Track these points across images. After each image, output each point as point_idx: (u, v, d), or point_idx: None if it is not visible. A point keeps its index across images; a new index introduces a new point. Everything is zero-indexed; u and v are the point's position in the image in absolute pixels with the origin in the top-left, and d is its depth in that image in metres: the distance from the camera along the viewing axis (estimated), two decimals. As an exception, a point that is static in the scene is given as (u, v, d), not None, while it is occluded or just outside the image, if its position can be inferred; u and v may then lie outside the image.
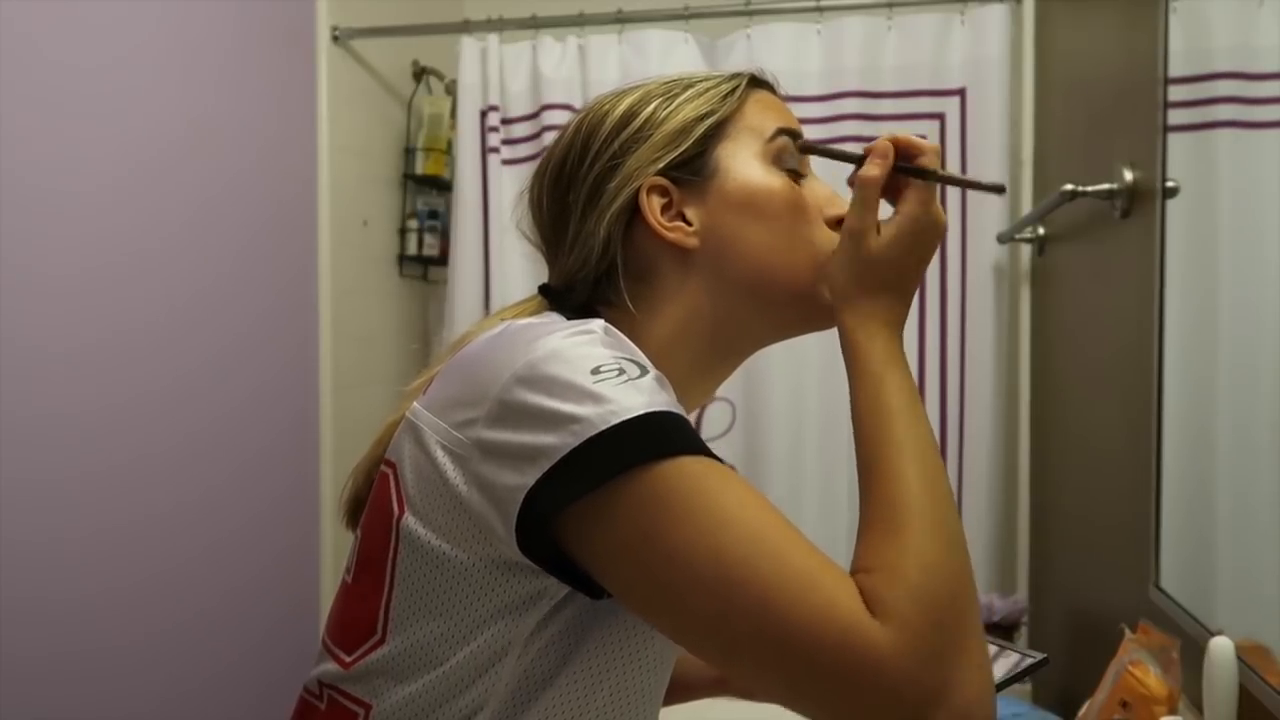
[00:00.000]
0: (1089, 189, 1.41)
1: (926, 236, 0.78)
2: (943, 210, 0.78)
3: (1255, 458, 0.97)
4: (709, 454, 0.62)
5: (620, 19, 2.03)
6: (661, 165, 0.75)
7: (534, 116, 2.09)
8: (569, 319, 0.72)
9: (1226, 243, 1.05)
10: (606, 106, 0.79)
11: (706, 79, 0.79)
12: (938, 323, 2.00)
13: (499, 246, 2.09)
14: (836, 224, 0.78)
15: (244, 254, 1.75)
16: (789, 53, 2.01)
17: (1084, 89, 1.64)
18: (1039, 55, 1.96)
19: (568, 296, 0.79)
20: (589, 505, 0.60)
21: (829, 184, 0.80)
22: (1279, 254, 0.91)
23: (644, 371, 0.64)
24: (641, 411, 0.60)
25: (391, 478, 0.69)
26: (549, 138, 2.06)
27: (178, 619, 1.56)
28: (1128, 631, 1.02)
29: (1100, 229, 1.48)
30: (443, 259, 2.26)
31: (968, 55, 1.96)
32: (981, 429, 1.96)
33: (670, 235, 0.75)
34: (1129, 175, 1.31)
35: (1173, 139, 1.15)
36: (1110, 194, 1.36)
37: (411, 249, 2.33)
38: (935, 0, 1.96)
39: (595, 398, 0.61)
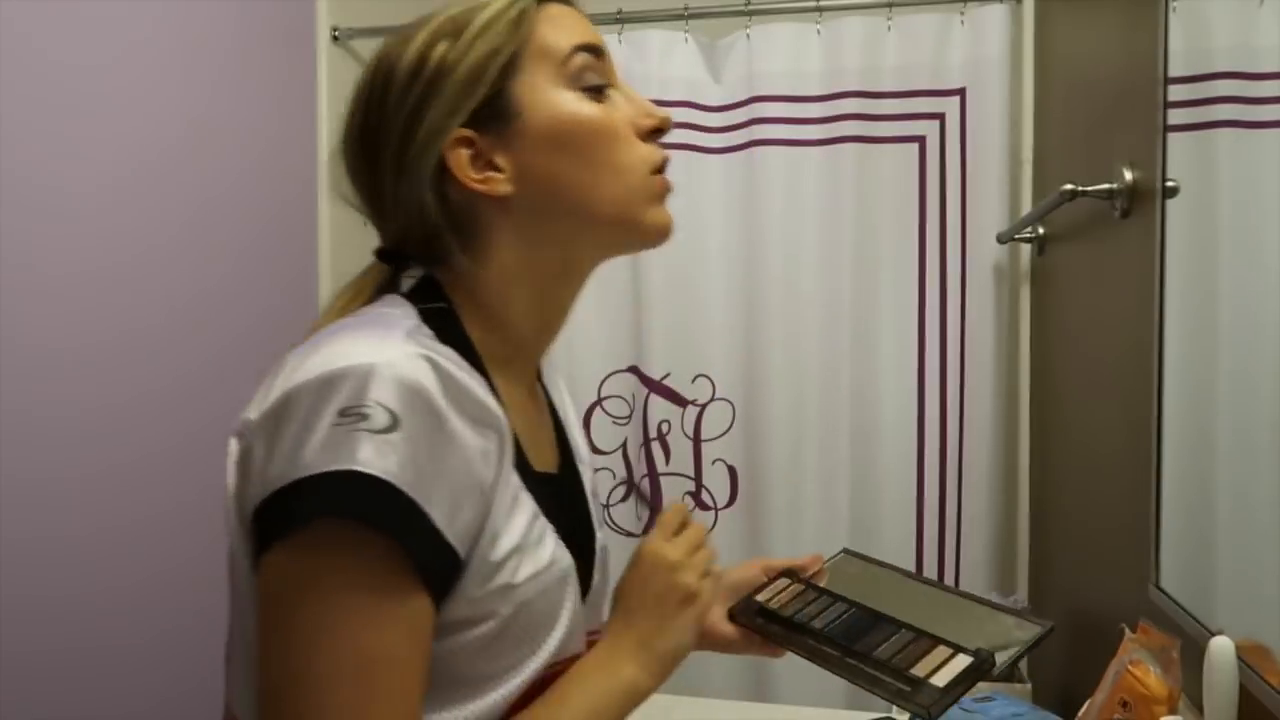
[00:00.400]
0: (1089, 189, 1.41)
1: (648, 572, 0.79)
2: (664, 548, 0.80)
3: (1255, 458, 0.97)
4: (408, 534, 0.61)
5: (620, 19, 2.03)
6: (461, 117, 0.72)
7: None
8: (407, 295, 0.73)
9: (1226, 243, 1.05)
10: (395, 53, 0.75)
11: (492, 8, 0.75)
12: (938, 323, 2.00)
13: (499, 246, 2.09)
14: (650, 135, 0.78)
15: (244, 254, 1.75)
16: (789, 53, 2.01)
17: (1084, 89, 1.64)
18: (1039, 55, 1.96)
19: (404, 261, 0.77)
20: (283, 548, 0.62)
21: (639, 96, 0.79)
22: (1279, 254, 0.91)
23: (392, 421, 0.60)
24: (342, 468, 0.59)
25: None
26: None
27: (178, 619, 1.56)
28: (1128, 631, 1.02)
29: (1100, 229, 1.48)
30: (443, 259, 2.26)
31: (968, 55, 1.96)
32: (981, 429, 1.96)
33: (482, 188, 0.73)
34: (1129, 175, 1.31)
35: (1173, 139, 1.15)
36: (1110, 194, 1.36)
37: (411, 249, 2.32)
38: (935, 0, 1.96)
39: (318, 444, 0.60)
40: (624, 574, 0.80)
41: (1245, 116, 1.00)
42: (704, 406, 2.06)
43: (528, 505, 0.70)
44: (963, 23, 1.96)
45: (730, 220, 2.04)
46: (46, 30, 1.38)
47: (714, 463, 2.06)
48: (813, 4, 1.98)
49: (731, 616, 0.93)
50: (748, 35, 2.02)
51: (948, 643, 0.82)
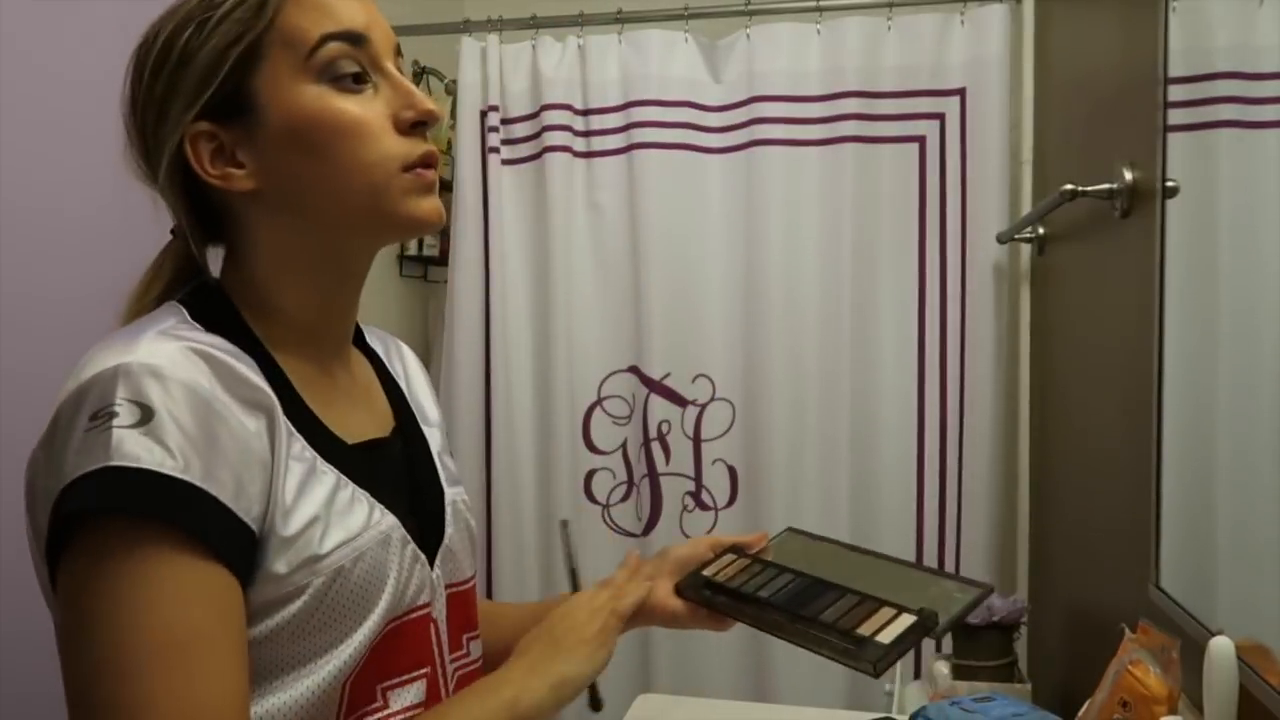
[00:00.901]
0: (1089, 189, 1.41)
1: (571, 608, 0.85)
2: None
3: (1255, 458, 0.97)
4: (180, 519, 0.61)
5: (620, 19, 2.03)
6: (199, 110, 0.70)
7: (534, 116, 2.09)
8: (183, 300, 0.74)
9: (1226, 243, 1.05)
10: (147, 38, 0.73)
11: None
12: (938, 323, 2.00)
13: (499, 246, 2.09)
14: (412, 127, 0.74)
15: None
16: (789, 53, 2.01)
17: (1084, 89, 1.64)
18: (1039, 55, 1.96)
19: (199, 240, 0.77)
20: (66, 556, 0.63)
21: (404, 81, 0.75)
22: (1279, 254, 0.91)
23: (143, 413, 0.61)
24: (98, 465, 0.60)
25: None
26: (549, 137, 2.06)
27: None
28: (1128, 631, 1.02)
29: (1100, 229, 1.48)
30: (443, 259, 2.26)
31: (968, 55, 1.96)
32: (981, 429, 1.96)
33: (220, 184, 0.72)
34: (1129, 175, 1.31)
35: (1173, 139, 1.15)
36: (1110, 194, 1.36)
37: (411, 249, 2.33)
38: (935, 0, 1.96)
39: (75, 450, 0.61)
40: (546, 619, 0.84)
41: (1245, 116, 1.00)
42: (704, 406, 2.06)
43: (328, 477, 0.71)
44: (963, 23, 1.96)
45: (730, 220, 2.04)
46: (46, 30, 1.38)
47: (714, 463, 2.06)
48: (813, 4, 1.98)
49: (679, 591, 0.95)
50: (748, 35, 2.02)
51: (892, 604, 0.84)
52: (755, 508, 2.02)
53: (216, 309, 0.74)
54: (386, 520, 0.74)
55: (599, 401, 2.10)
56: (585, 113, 2.07)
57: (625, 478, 2.10)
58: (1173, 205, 1.15)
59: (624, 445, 2.10)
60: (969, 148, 1.97)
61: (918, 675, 1.97)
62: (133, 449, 0.60)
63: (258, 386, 0.68)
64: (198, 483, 0.62)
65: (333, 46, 0.71)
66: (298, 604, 0.68)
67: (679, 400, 2.07)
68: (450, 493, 0.86)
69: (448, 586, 0.82)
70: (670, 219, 2.04)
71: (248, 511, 0.64)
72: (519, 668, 0.78)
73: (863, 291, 2.01)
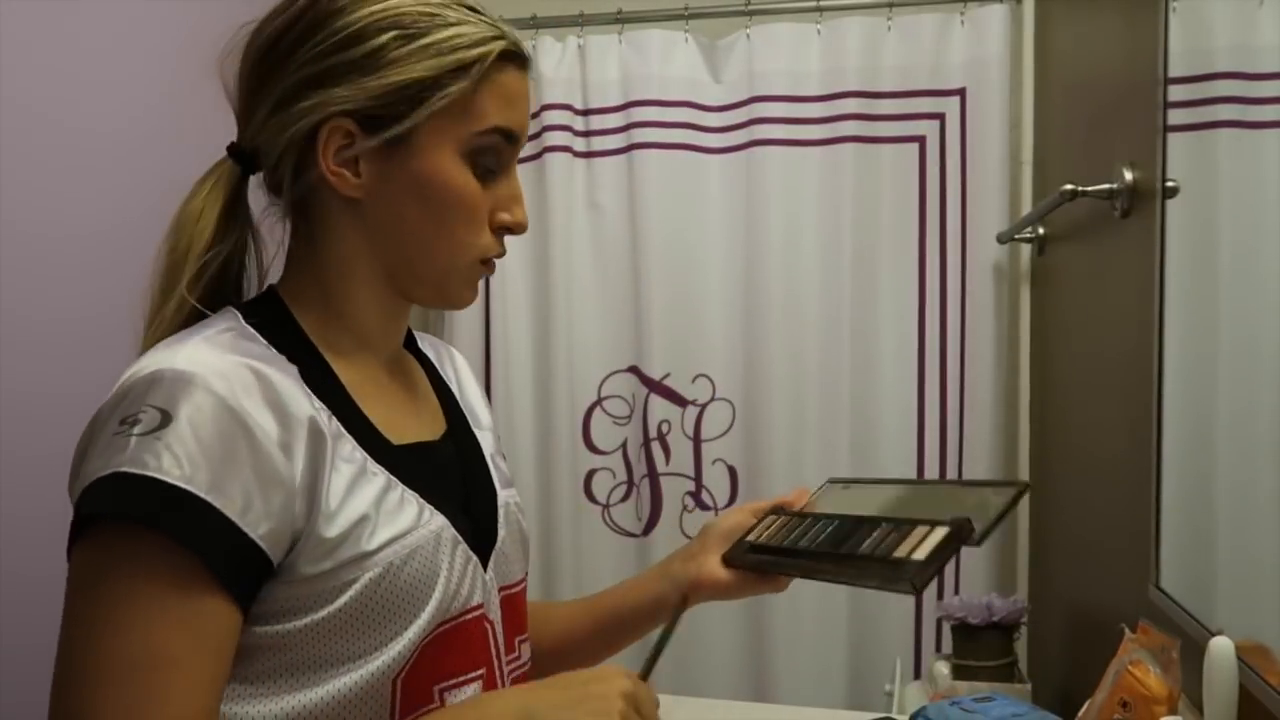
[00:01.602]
0: (1089, 189, 1.41)
1: (595, 676, 0.74)
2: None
3: (1255, 457, 0.97)
4: (181, 530, 0.62)
5: (620, 19, 2.04)
6: (360, 113, 0.72)
7: (534, 116, 2.09)
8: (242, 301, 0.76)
9: (1226, 243, 1.05)
10: (343, 3, 0.73)
11: (457, 35, 0.73)
12: (938, 323, 2.00)
13: (499, 246, 2.09)
14: (502, 230, 0.79)
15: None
16: (789, 53, 2.01)
17: (1084, 89, 1.64)
18: (1039, 55, 1.96)
19: (253, 166, 0.78)
20: (72, 559, 0.66)
21: (521, 187, 0.80)
22: (1279, 254, 0.91)
23: (163, 420, 0.63)
24: (110, 471, 0.62)
25: None
26: (549, 137, 2.06)
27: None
28: (1128, 631, 1.02)
29: (1100, 229, 1.48)
30: (443, 259, 2.26)
31: (968, 55, 1.96)
32: (981, 429, 1.96)
33: (331, 179, 0.74)
34: (1129, 175, 1.31)
35: (1173, 139, 1.15)
36: (1110, 194, 1.36)
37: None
38: (935, 0, 1.96)
39: (99, 452, 0.64)
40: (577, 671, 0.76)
41: (1245, 116, 1.00)
42: (704, 406, 2.06)
43: (378, 478, 0.72)
44: (963, 23, 1.96)
45: (730, 220, 2.04)
46: (45, 30, 1.38)
47: (714, 463, 2.06)
48: (813, 4, 1.98)
49: (726, 562, 0.94)
50: (748, 35, 2.02)
51: (925, 521, 0.82)
52: (755, 508, 2.02)
53: (271, 312, 0.76)
54: (436, 520, 0.75)
55: (599, 401, 2.10)
56: (585, 113, 2.07)
57: (625, 478, 2.10)
58: (1173, 205, 1.15)
59: (624, 445, 2.10)
60: (969, 148, 1.97)
61: (918, 675, 1.97)
62: (141, 455, 0.62)
63: (299, 400, 0.69)
64: (201, 494, 0.62)
65: (493, 139, 0.76)
66: (342, 600, 0.68)
67: (679, 400, 2.07)
68: (503, 495, 0.86)
69: (500, 589, 0.82)
70: (670, 219, 2.04)
71: (255, 527, 0.64)
72: (514, 700, 0.72)
73: (863, 291, 2.01)
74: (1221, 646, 0.85)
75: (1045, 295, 1.91)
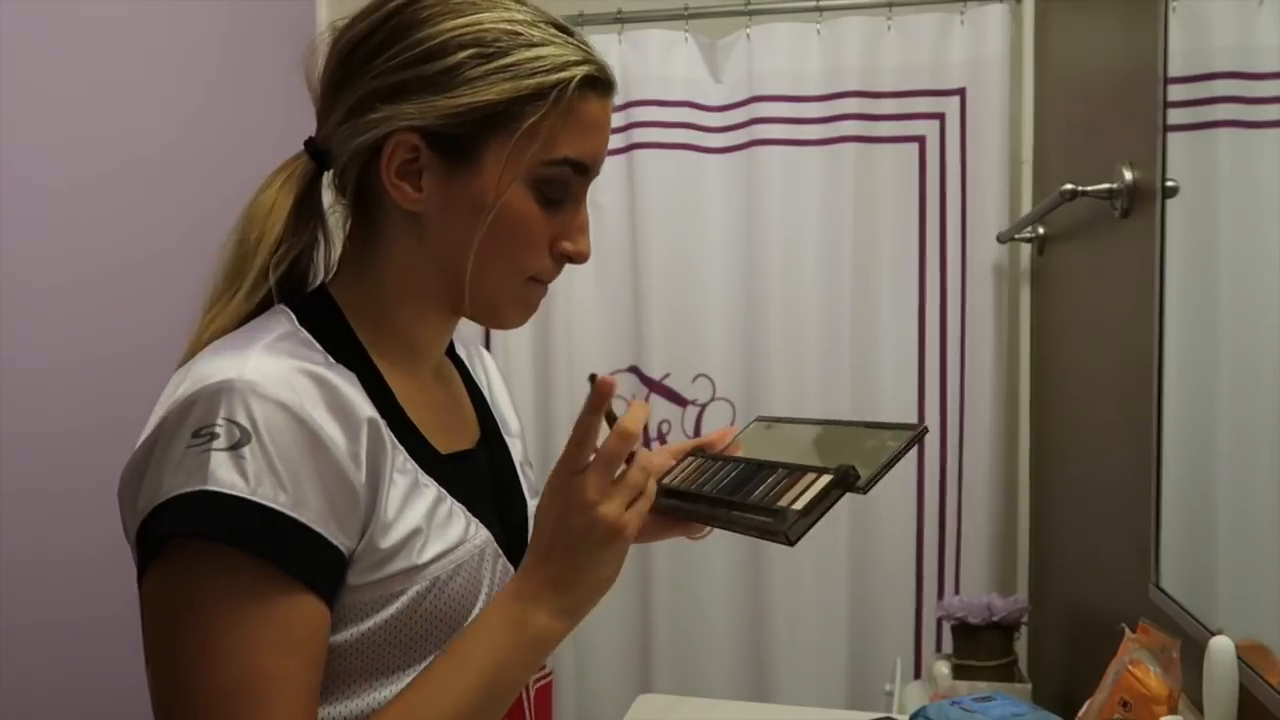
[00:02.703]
0: (1089, 189, 1.41)
1: (561, 508, 0.71)
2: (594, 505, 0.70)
3: (1255, 457, 0.97)
4: (263, 549, 0.62)
5: (620, 19, 2.04)
6: (428, 129, 0.71)
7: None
8: (293, 304, 0.74)
9: (1226, 242, 1.05)
10: (428, 14, 0.71)
11: (538, 59, 0.71)
12: (938, 323, 2.00)
13: (499, 246, 2.09)
14: (562, 257, 0.77)
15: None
16: (789, 53, 2.01)
17: (1084, 89, 1.64)
18: (1039, 55, 1.96)
19: (327, 163, 0.77)
20: (148, 577, 0.65)
21: (586, 214, 0.78)
22: (1279, 254, 0.91)
23: (241, 436, 0.62)
24: (194, 489, 0.61)
25: None
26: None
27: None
28: (1128, 631, 1.02)
29: (1100, 229, 1.48)
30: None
31: (967, 55, 1.96)
32: (981, 429, 1.96)
33: (392, 191, 0.72)
34: (1129, 175, 1.31)
35: (1172, 139, 1.15)
36: (1110, 194, 1.36)
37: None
38: (935, 0, 1.96)
39: (173, 469, 0.62)
40: (541, 500, 0.73)
41: (1245, 116, 1.00)
42: (704, 406, 2.06)
43: (429, 491, 0.72)
44: (962, 23, 1.96)
45: (730, 220, 2.04)
46: (45, 29, 1.38)
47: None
48: (813, 4, 1.98)
49: None
50: (748, 35, 2.02)
51: (815, 469, 0.79)
52: (755, 508, 2.02)
53: (325, 316, 0.75)
54: (481, 534, 0.75)
55: (599, 401, 2.10)
56: (585, 113, 2.07)
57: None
58: (1173, 205, 1.15)
59: (624, 445, 2.10)
60: (969, 148, 1.97)
61: (918, 675, 1.97)
62: (226, 475, 0.61)
63: (362, 408, 0.68)
64: (287, 511, 0.62)
65: (563, 170, 0.73)
66: (390, 610, 0.69)
67: (679, 400, 2.07)
68: (532, 504, 0.86)
69: None
70: (670, 219, 2.04)
71: (335, 535, 0.65)
72: (541, 584, 0.70)
73: (862, 291, 2.01)
74: (1221, 646, 0.85)
75: (1045, 295, 1.91)
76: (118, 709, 1.46)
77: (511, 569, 0.78)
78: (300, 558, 0.63)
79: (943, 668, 1.69)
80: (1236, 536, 1.02)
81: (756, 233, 2.02)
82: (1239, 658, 0.85)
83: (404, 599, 0.69)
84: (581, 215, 0.77)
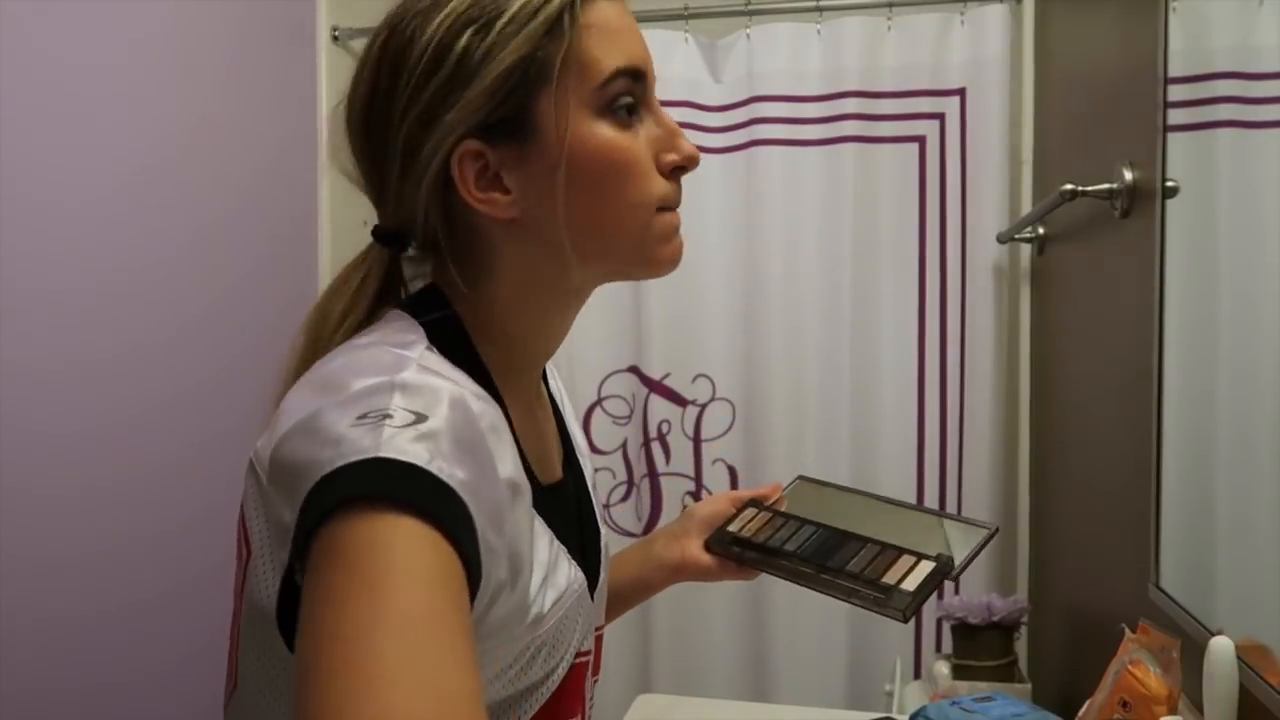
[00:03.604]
0: (1089, 189, 1.41)
1: None
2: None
3: (1255, 457, 0.97)
4: (443, 524, 0.53)
5: (620, 19, 2.03)
6: (476, 126, 0.66)
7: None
8: (410, 308, 0.69)
9: (1226, 243, 1.05)
10: (411, 30, 0.66)
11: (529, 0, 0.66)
12: (938, 323, 2.00)
13: (499, 246, 2.09)
14: (672, 172, 0.72)
15: (243, 254, 1.75)
16: (789, 53, 2.01)
17: (1084, 89, 1.64)
18: (1039, 55, 1.96)
19: (404, 244, 0.72)
20: (317, 543, 0.53)
21: (670, 119, 0.72)
22: (1279, 254, 0.91)
23: (417, 419, 0.55)
24: (369, 455, 0.53)
25: (240, 518, 0.65)
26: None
27: (187, 634, 1.56)
28: (1128, 631, 1.02)
29: (1100, 229, 1.48)
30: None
31: (968, 55, 1.96)
32: (981, 429, 1.96)
33: (485, 209, 0.67)
34: (1129, 175, 1.31)
35: (1172, 139, 1.15)
36: (1110, 194, 1.36)
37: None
38: (935, 0, 1.96)
39: (338, 441, 0.54)
40: None
41: (1245, 116, 1.00)
42: (704, 406, 2.06)
43: (544, 532, 0.69)
44: (963, 23, 1.96)
45: (730, 220, 2.04)
46: (46, 29, 1.38)
47: (714, 463, 2.06)
48: (813, 4, 1.98)
49: (708, 547, 0.98)
50: (748, 35, 2.02)
51: (910, 552, 0.90)
52: (755, 508, 2.02)
53: (453, 335, 0.69)
54: (579, 576, 0.73)
55: (599, 401, 2.10)
56: (585, 113, 2.07)
57: (625, 478, 2.10)
58: (1173, 205, 1.15)
59: (624, 445, 2.10)
60: (969, 148, 1.97)
61: (918, 675, 1.97)
62: (404, 445, 0.54)
63: (511, 441, 0.63)
64: (461, 494, 0.55)
65: (622, 83, 0.68)
66: (508, 656, 0.65)
67: (679, 400, 2.07)
68: (604, 532, 0.85)
69: (594, 628, 0.80)
70: (670, 219, 2.04)
71: (482, 551, 0.57)
72: None
73: (863, 291, 2.01)
74: (1221, 646, 0.85)
75: (1045, 295, 1.91)
76: (118, 710, 1.46)
77: (591, 605, 0.76)
78: (468, 540, 0.55)
79: (943, 668, 1.69)
80: (1236, 536, 1.02)
81: (756, 233, 2.02)
82: (1239, 658, 0.85)
83: (523, 647, 0.66)
84: (667, 121, 0.72)
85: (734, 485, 2.05)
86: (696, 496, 2.07)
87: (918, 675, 1.97)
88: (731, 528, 0.99)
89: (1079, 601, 1.63)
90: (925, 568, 0.87)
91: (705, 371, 2.05)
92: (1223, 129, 1.05)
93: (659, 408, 2.07)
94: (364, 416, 0.55)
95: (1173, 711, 0.91)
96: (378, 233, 0.72)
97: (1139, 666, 0.95)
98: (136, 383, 1.51)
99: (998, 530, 0.94)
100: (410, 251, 0.74)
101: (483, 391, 0.63)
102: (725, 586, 2.01)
